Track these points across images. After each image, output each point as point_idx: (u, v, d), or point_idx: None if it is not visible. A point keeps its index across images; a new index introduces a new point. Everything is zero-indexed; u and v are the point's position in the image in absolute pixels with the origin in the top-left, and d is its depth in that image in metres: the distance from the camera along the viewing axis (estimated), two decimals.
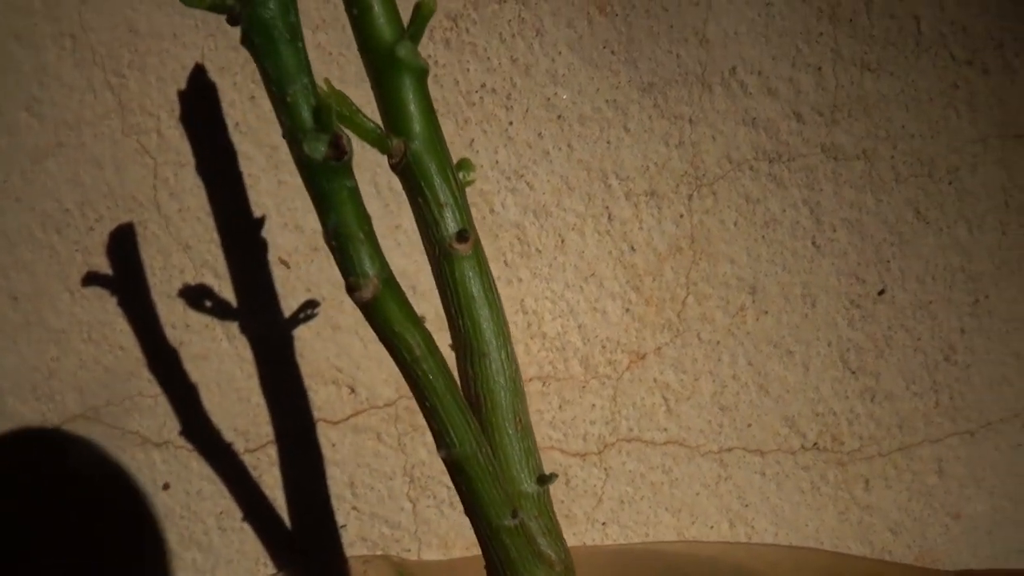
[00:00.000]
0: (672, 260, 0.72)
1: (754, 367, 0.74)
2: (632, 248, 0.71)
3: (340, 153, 0.34)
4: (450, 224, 0.39)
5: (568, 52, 0.68)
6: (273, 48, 0.33)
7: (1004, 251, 0.77)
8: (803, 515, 0.77)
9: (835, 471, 0.77)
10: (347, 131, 0.35)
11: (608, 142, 0.69)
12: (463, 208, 0.40)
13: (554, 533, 0.41)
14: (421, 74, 0.39)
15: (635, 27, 0.69)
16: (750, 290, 0.73)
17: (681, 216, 0.72)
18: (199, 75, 0.64)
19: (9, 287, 0.65)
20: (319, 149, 0.34)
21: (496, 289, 0.41)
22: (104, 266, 0.65)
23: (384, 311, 0.36)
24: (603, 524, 0.73)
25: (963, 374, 0.78)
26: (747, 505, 0.76)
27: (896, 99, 0.73)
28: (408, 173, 0.39)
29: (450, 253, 0.39)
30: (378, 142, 0.39)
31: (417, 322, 0.37)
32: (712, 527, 0.75)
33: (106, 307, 0.65)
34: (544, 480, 0.41)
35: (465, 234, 0.39)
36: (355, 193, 0.35)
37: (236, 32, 0.62)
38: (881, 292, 0.75)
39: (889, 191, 0.74)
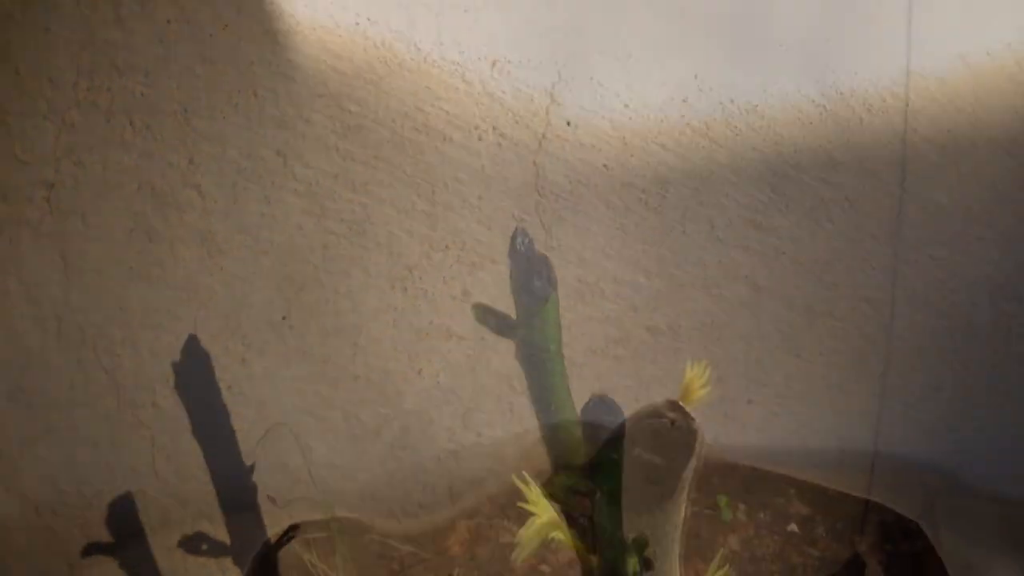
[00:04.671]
0: None
1: None
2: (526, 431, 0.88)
3: None
4: None
5: (493, 287, 0.82)
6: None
7: None
8: None
9: None
10: None
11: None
12: None
13: None
14: None
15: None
16: None
17: None
18: (193, 345, 0.68)
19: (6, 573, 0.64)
20: None
21: None
22: (104, 535, 0.67)
23: None
24: None
25: None
26: None
27: (692, 284, 0.98)
28: None
29: None
30: None
31: None
32: None
33: (105, 571, 0.68)
34: None
35: None
36: None
37: (226, 302, 0.68)
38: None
39: (678, 354, 0.99)
